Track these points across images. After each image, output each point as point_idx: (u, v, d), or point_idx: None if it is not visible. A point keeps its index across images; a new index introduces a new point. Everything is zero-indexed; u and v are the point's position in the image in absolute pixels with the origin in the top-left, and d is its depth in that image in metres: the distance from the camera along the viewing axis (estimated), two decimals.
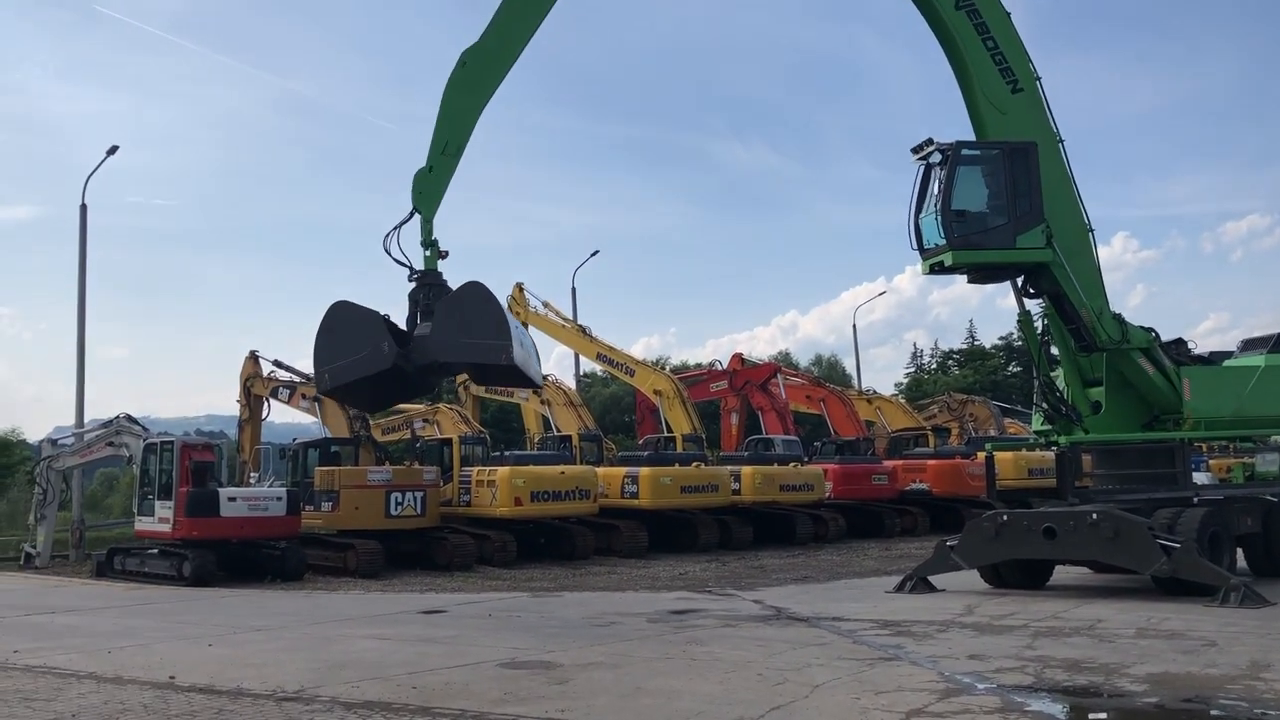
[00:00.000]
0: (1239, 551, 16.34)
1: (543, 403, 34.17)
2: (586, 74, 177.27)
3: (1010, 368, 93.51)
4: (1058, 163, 16.65)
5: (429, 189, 13.89)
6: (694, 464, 27.78)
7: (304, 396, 27.76)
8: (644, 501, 26.52)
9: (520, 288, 35.19)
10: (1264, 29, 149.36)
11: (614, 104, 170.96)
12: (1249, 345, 18.05)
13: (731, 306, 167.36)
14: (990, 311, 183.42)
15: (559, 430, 32.85)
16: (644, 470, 26.79)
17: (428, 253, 13.78)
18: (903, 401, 44.24)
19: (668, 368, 54.66)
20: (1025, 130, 16.45)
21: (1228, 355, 18.04)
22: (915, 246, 16.44)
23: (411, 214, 13.79)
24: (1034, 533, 15.14)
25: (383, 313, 13.72)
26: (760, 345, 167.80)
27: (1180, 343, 17.26)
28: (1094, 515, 14.64)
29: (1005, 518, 15.64)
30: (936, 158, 16.15)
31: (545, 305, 35.46)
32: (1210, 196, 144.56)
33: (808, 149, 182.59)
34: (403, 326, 13.71)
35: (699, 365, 61.24)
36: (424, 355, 13.32)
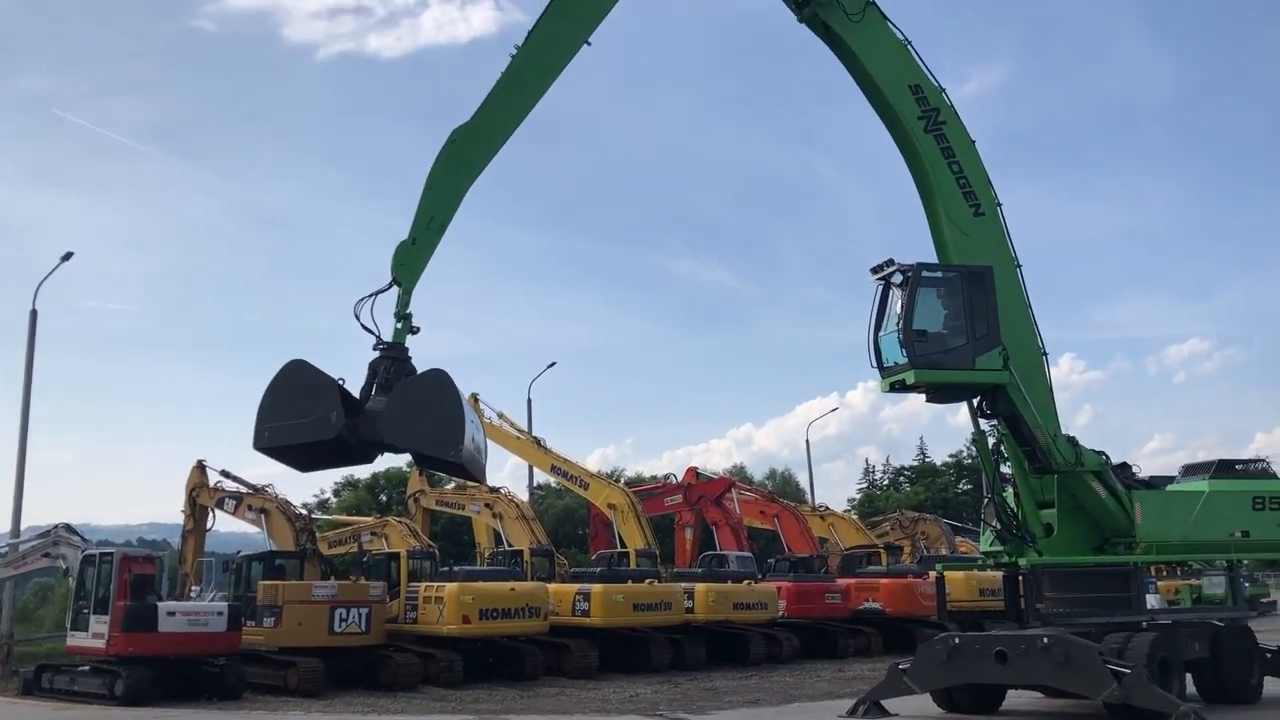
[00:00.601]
0: (1188, 677, 16.33)
1: (494, 516, 33.77)
2: (549, 191, 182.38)
3: (961, 485, 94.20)
4: (1015, 287, 16.97)
5: (410, 261, 13.73)
6: (647, 581, 27.47)
7: (250, 508, 27.27)
8: (595, 620, 26.08)
9: (475, 398, 35.01)
10: (1200, 166, 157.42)
11: (575, 221, 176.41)
12: (1190, 471, 18.34)
13: (687, 419, 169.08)
14: (941, 429, 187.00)
15: (510, 544, 32.40)
16: (596, 588, 26.43)
17: (399, 325, 13.52)
18: (855, 518, 44.26)
19: (622, 480, 54.41)
20: (986, 252, 16.80)
21: (1169, 480, 18.28)
22: (875, 364, 16.57)
23: (389, 285, 13.55)
24: (985, 656, 15.05)
25: (339, 378, 13.33)
26: (716, 458, 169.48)
27: (1125, 466, 17.45)
28: (1045, 640, 14.58)
29: (957, 641, 15.56)
30: (898, 278, 16.37)
31: (501, 416, 35.40)
32: (1154, 321, 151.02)
33: (763, 268, 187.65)
34: (356, 394, 13.38)
35: (654, 478, 61.47)
36: (371, 431, 12.99)
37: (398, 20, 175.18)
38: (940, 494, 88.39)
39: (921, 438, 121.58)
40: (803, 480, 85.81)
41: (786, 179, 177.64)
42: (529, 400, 44.85)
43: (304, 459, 14.10)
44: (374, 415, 12.99)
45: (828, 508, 42.36)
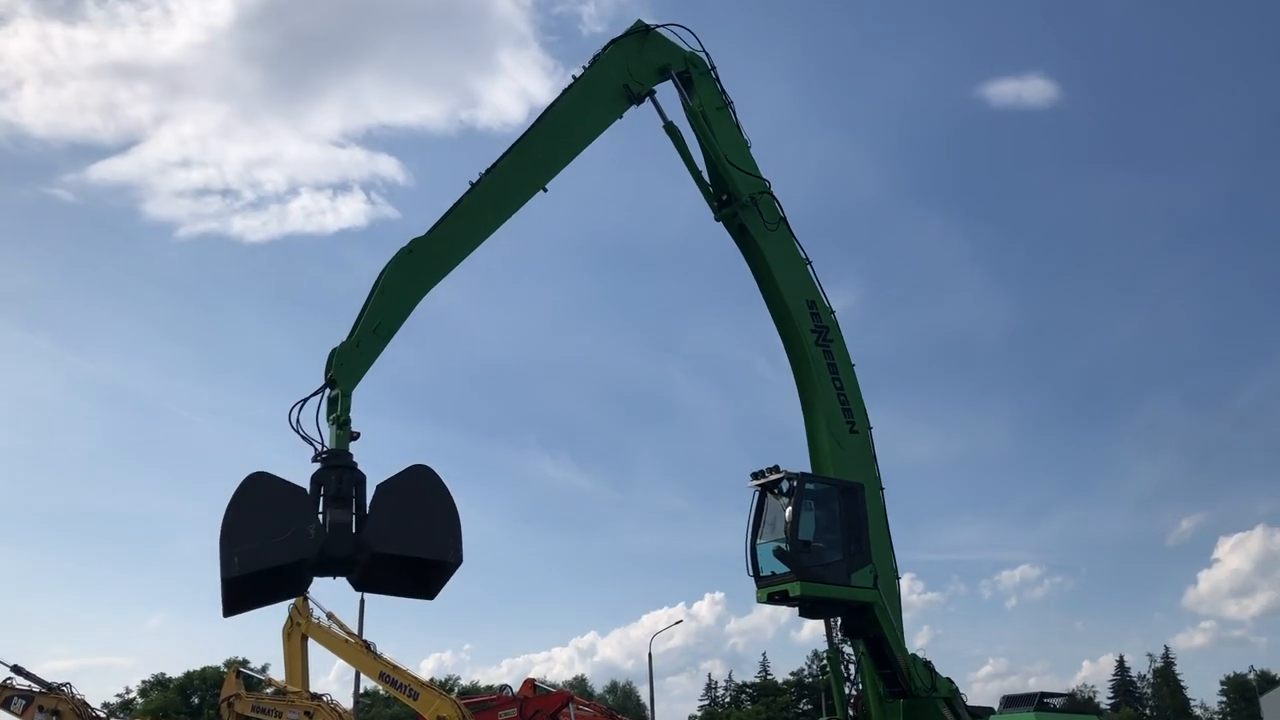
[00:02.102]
0: None
1: None
2: (406, 383, 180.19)
3: (802, 705, 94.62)
4: (879, 507, 17.25)
5: (352, 363, 12.47)
6: None
7: (41, 709, 24.96)
8: None
9: (305, 597, 33.31)
10: (1030, 400, 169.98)
11: (429, 415, 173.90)
12: (1011, 702, 18.65)
13: (531, 625, 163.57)
14: (784, 646, 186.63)
15: None
16: None
17: (338, 431, 11.96)
18: None
19: (456, 691, 52.27)
20: (857, 469, 17.07)
21: (989, 711, 18.33)
22: (752, 573, 16.25)
23: (321, 389, 12.17)
24: None
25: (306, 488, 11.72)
26: (558, 668, 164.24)
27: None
28: None
29: None
30: (785, 485, 16.30)
31: (330, 617, 33.54)
32: (988, 545, 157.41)
33: (616, 472, 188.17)
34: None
35: (490, 688, 59.32)
36: (343, 545, 11.28)
37: (266, 205, 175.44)
38: (781, 713, 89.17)
39: (765, 654, 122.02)
40: (644, 695, 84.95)
41: (644, 385, 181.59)
42: (362, 600, 42.68)
43: (274, 589, 12.07)
44: (341, 528, 11.37)
45: None
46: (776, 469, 16.46)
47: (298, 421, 11.82)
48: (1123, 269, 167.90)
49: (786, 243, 18.05)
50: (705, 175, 17.78)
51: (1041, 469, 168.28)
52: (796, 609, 16.77)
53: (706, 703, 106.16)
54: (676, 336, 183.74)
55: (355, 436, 12.02)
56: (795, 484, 16.17)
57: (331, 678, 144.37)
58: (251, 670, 40.93)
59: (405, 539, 11.33)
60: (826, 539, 16.29)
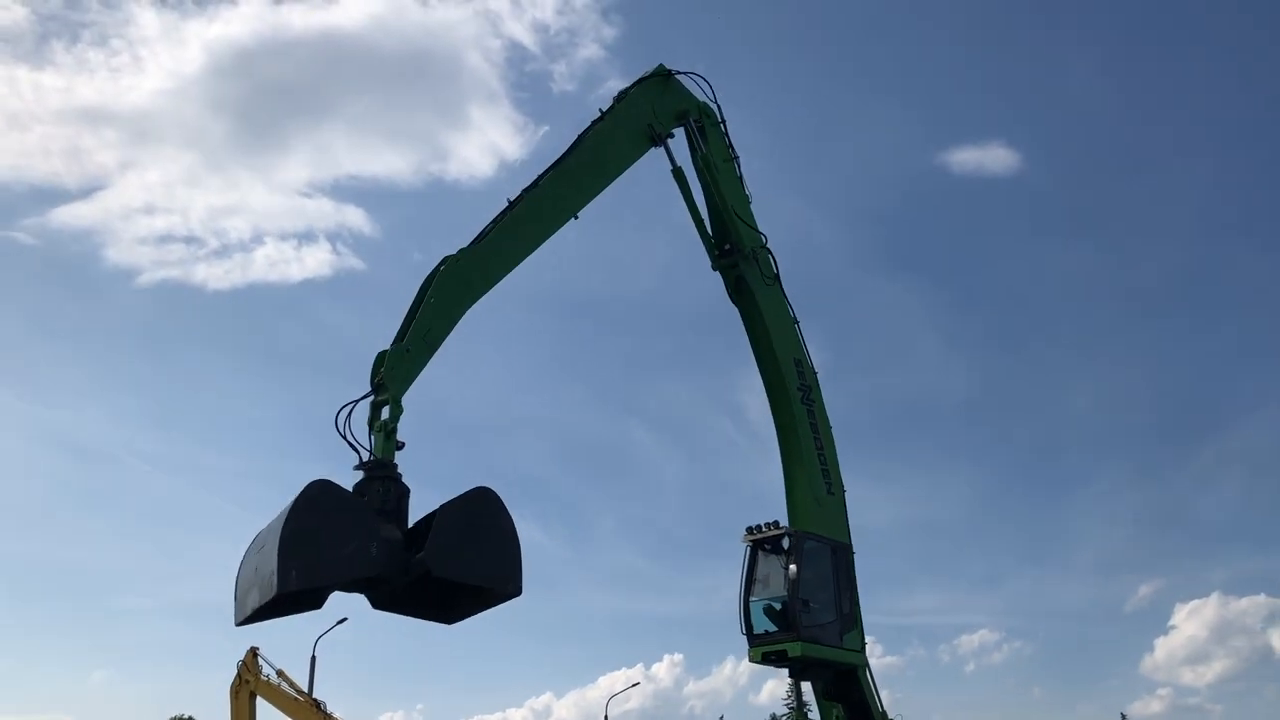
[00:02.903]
0: None
1: None
2: (363, 435, 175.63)
3: None
4: (851, 570, 17.01)
5: (404, 369, 11.54)
6: None
7: None
8: None
9: (254, 653, 32.34)
10: (988, 467, 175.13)
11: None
12: None
13: (485, 684, 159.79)
14: (742, 708, 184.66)
15: None
16: None
17: (385, 440, 11.05)
18: None
19: None
20: (835, 530, 16.91)
21: None
22: (745, 631, 15.94)
23: (368, 395, 11.28)
24: None
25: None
26: None
27: None
28: None
29: None
30: (786, 543, 16.00)
31: (279, 674, 32.62)
32: (946, 610, 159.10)
33: (576, 530, 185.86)
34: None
35: None
36: (398, 563, 10.42)
37: (230, 253, 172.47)
38: None
39: (722, 717, 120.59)
40: None
41: (604, 444, 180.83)
42: (313, 658, 41.43)
43: (295, 602, 10.75)
44: (393, 546, 10.47)
45: None
46: (776, 524, 16.23)
47: (345, 426, 11.00)
48: (1078, 339, 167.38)
49: (780, 300, 18.20)
50: (708, 224, 17.84)
51: (1000, 534, 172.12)
52: (787, 670, 16.52)
53: None
54: (639, 395, 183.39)
55: (401, 446, 11.23)
56: (795, 541, 15.83)
57: None
58: None
59: (466, 565, 10.58)
60: (820, 599, 15.97)
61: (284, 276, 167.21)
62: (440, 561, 10.32)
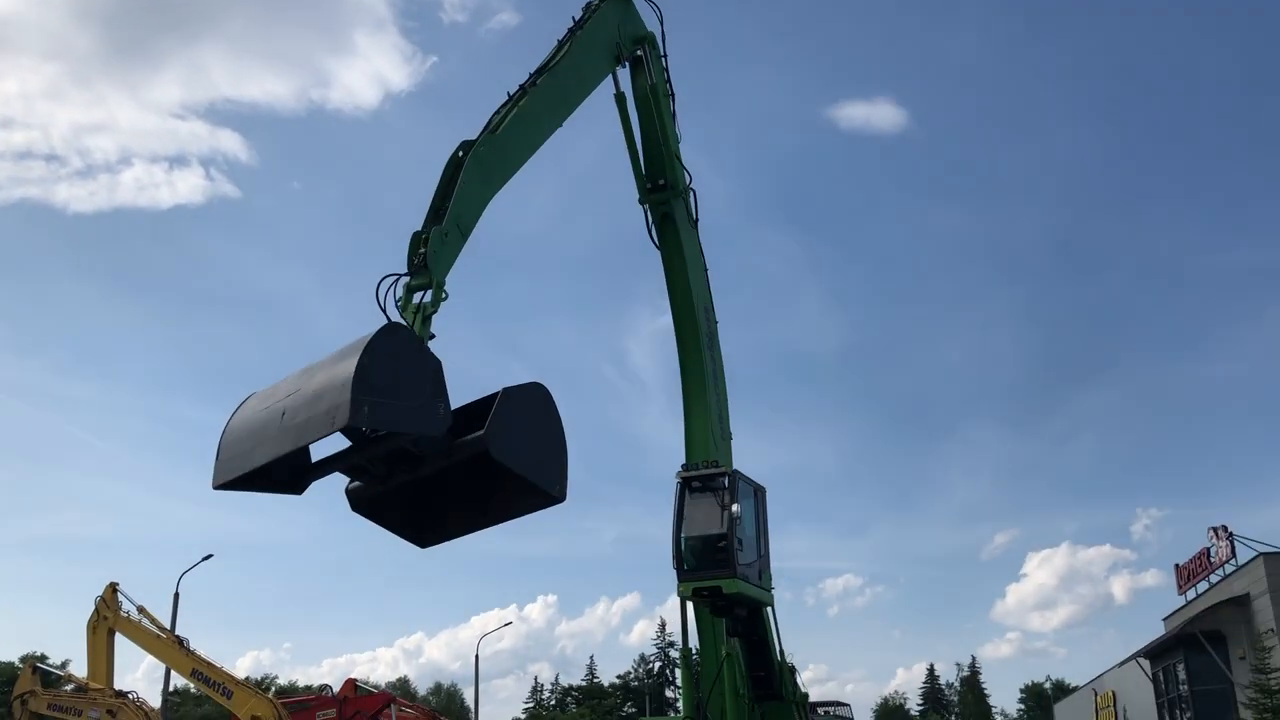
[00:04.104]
0: None
1: None
2: (231, 370, 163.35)
3: (627, 708, 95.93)
4: (766, 512, 17.40)
5: (445, 253, 10.94)
6: None
7: None
8: None
9: (114, 588, 32.55)
10: (858, 418, 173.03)
11: None
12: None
13: (356, 624, 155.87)
14: (613, 649, 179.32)
15: None
16: None
17: (424, 324, 10.42)
18: None
19: (273, 690, 50.39)
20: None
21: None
22: (678, 566, 16.05)
23: (404, 276, 10.65)
24: None
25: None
26: (381, 668, 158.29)
27: None
28: None
29: None
30: (722, 481, 16.33)
31: (140, 611, 32.62)
32: (814, 555, 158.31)
33: None
34: None
35: (309, 688, 57.63)
36: (464, 445, 9.52)
37: (94, 174, 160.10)
38: (606, 716, 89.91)
39: (592, 657, 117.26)
40: (469, 697, 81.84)
41: (485, 387, 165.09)
42: (176, 595, 40.87)
43: (278, 475, 9.62)
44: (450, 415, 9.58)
45: None
46: (715, 464, 16.73)
47: (385, 299, 10.28)
48: (952, 297, 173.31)
49: (698, 243, 18.70)
50: (641, 155, 17.95)
51: (868, 483, 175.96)
52: (709, 605, 16.51)
53: (532, 705, 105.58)
54: (520, 338, 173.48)
55: (431, 338, 10.46)
56: (731, 480, 16.20)
57: (139, 675, 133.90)
58: (50, 666, 41.11)
59: (521, 455, 9.63)
60: (746, 538, 16.38)
61: (153, 201, 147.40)
62: (498, 444, 9.30)
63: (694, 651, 17.45)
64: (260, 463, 8.72)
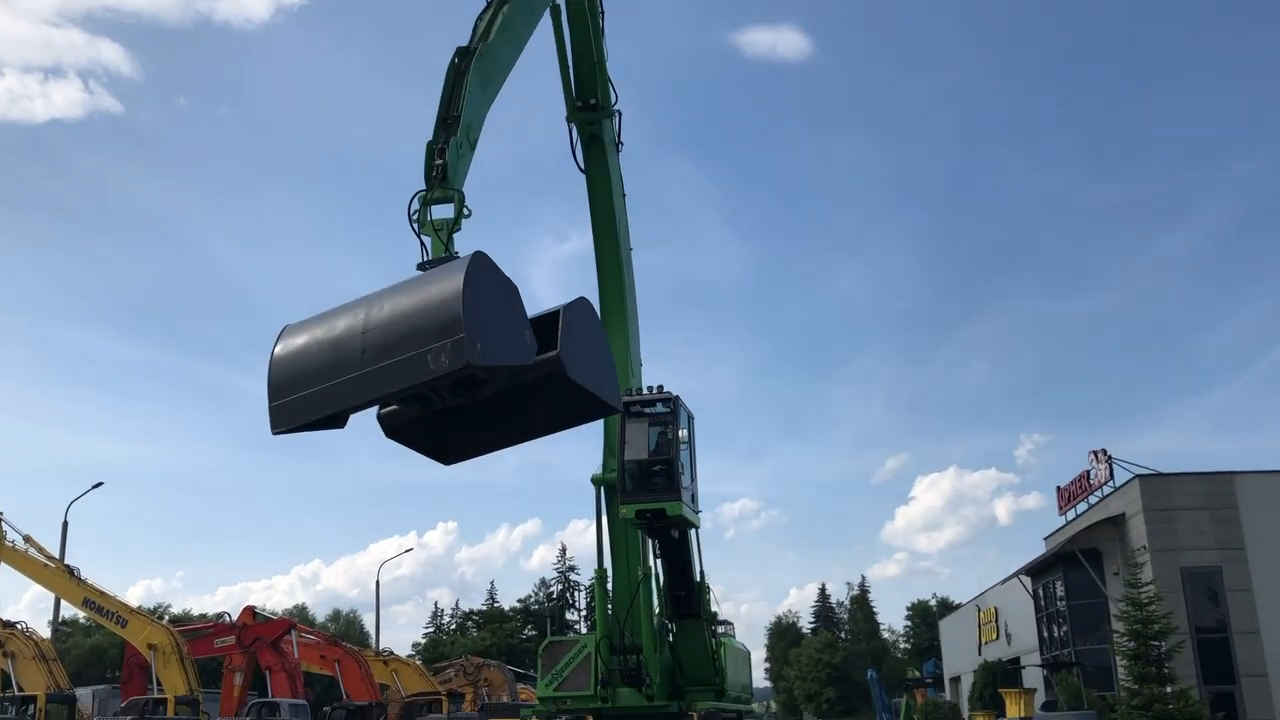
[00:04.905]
0: None
1: (4, 655, 30.29)
2: (120, 294, 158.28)
3: (527, 631, 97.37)
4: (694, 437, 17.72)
5: (464, 165, 10.58)
6: None
7: None
8: None
9: None
10: (756, 345, 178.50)
11: (149, 328, 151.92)
12: None
13: (251, 552, 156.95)
14: (513, 573, 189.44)
15: (20, 689, 28.93)
16: None
17: (447, 239, 9.90)
18: (419, 664, 43.29)
19: (166, 618, 50.57)
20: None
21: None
22: (623, 488, 16.49)
23: (420, 191, 10.16)
24: None
25: None
26: (278, 596, 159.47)
27: None
28: None
29: None
30: (660, 407, 16.79)
31: (26, 540, 31.73)
32: (710, 480, 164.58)
33: None
34: None
35: (204, 616, 58.38)
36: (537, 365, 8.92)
37: None
38: (506, 640, 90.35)
39: (493, 582, 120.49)
40: (369, 622, 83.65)
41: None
42: (65, 523, 39.80)
43: (330, 411, 8.57)
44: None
45: (392, 652, 40.84)
46: (662, 388, 16.97)
47: (417, 217, 9.83)
48: (852, 226, 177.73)
49: (618, 168, 18.62)
50: (572, 72, 17.64)
51: (765, 410, 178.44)
52: (646, 527, 16.85)
53: (432, 630, 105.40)
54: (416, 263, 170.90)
55: (454, 256, 9.77)
56: (673, 406, 16.76)
57: (22, 606, 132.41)
58: None
59: (585, 370, 9.17)
60: (684, 463, 16.85)
61: (27, 115, 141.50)
62: (572, 364, 8.90)
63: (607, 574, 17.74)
64: (350, 405, 8.05)
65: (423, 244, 9.61)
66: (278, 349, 8.20)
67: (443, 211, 9.81)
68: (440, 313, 7.61)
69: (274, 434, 8.04)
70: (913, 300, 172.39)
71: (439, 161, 10.12)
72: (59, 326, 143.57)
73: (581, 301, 9.44)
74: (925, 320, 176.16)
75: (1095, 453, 36.51)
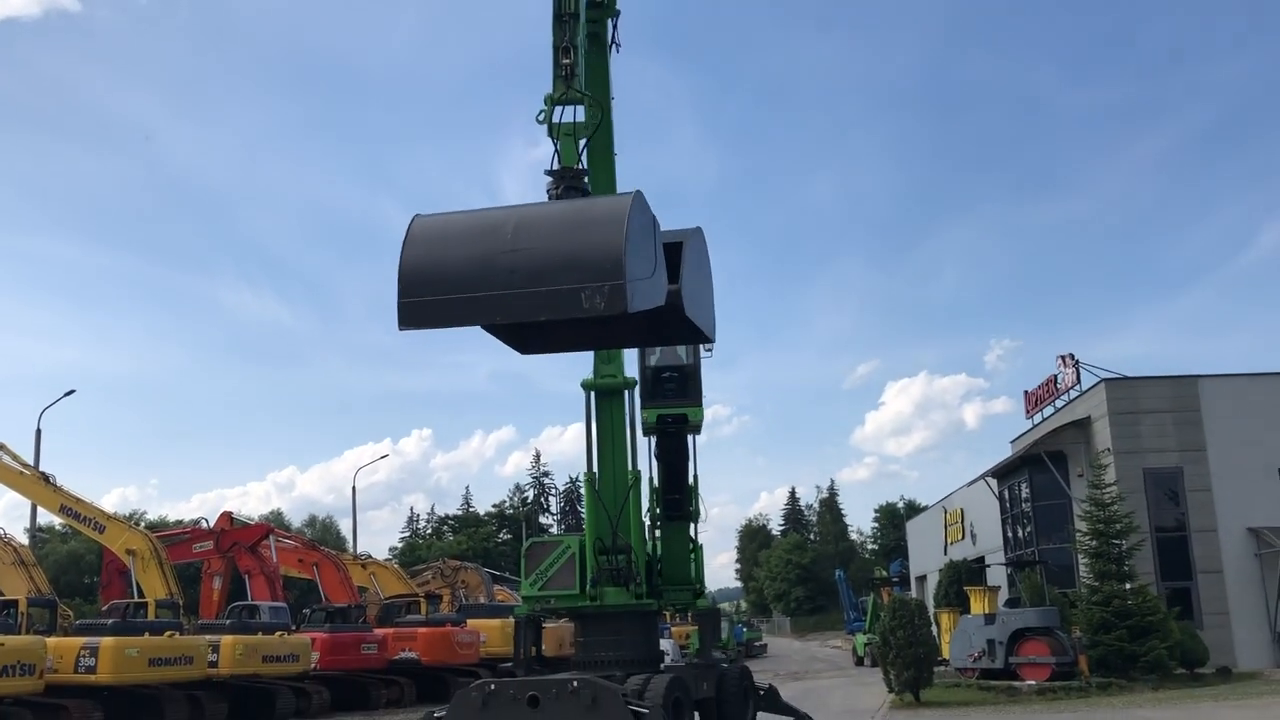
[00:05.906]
0: (696, 714, 15.79)
1: None
2: (89, 201, 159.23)
3: (502, 535, 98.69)
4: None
5: (587, 62, 10.71)
6: (167, 633, 25.06)
7: None
8: (103, 676, 23.46)
9: None
10: (733, 251, 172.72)
11: (114, 237, 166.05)
12: None
13: (225, 460, 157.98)
14: (488, 479, 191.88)
15: (1, 594, 29.18)
16: (106, 641, 23.76)
17: (573, 144, 9.81)
18: (397, 567, 43.38)
19: (143, 524, 51.03)
20: None
21: None
22: (644, 393, 16.21)
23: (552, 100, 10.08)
24: (519, 701, 13.69)
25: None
26: (253, 503, 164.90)
27: None
28: (574, 683, 13.62)
29: (492, 687, 14.34)
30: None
31: (0, 447, 31.94)
32: None
33: (323, 308, 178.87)
34: None
35: (180, 523, 58.84)
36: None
37: None
38: (482, 543, 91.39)
39: (468, 487, 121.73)
40: (345, 528, 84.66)
41: (353, 218, 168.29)
42: (38, 431, 40.01)
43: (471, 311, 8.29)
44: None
45: (369, 556, 41.09)
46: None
47: (551, 124, 9.65)
48: (825, 131, 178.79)
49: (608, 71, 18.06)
50: None
51: (739, 316, 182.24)
52: (657, 430, 16.47)
53: (408, 535, 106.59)
54: (391, 168, 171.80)
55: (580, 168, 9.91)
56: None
57: (0, 512, 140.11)
58: None
59: (694, 301, 9.08)
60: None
61: None
62: (687, 296, 8.88)
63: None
64: (493, 321, 7.97)
65: (556, 149, 9.32)
66: (410, 243, 7.80)
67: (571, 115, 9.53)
68: (600, 253, 7.40)
69: (400, 330, 7.70)
70: (885, 207, 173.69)
71: (565, 60, 9.71)
72: (15, 232, 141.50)
73: (698, 233, 9.27)
74: (898, 226, 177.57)
75: (1063, 357, 37.09)
